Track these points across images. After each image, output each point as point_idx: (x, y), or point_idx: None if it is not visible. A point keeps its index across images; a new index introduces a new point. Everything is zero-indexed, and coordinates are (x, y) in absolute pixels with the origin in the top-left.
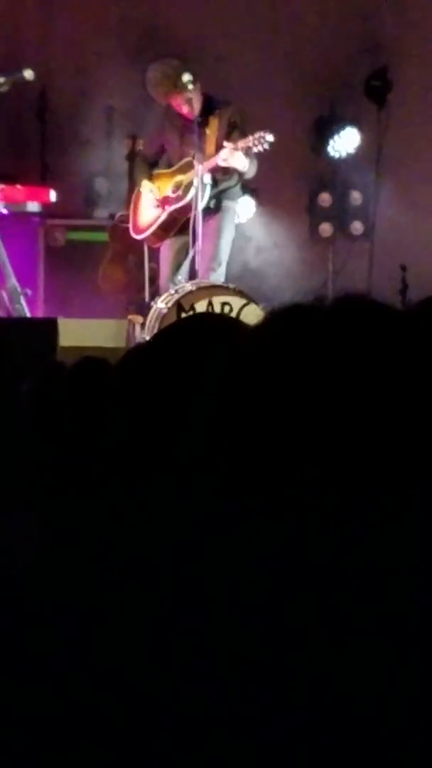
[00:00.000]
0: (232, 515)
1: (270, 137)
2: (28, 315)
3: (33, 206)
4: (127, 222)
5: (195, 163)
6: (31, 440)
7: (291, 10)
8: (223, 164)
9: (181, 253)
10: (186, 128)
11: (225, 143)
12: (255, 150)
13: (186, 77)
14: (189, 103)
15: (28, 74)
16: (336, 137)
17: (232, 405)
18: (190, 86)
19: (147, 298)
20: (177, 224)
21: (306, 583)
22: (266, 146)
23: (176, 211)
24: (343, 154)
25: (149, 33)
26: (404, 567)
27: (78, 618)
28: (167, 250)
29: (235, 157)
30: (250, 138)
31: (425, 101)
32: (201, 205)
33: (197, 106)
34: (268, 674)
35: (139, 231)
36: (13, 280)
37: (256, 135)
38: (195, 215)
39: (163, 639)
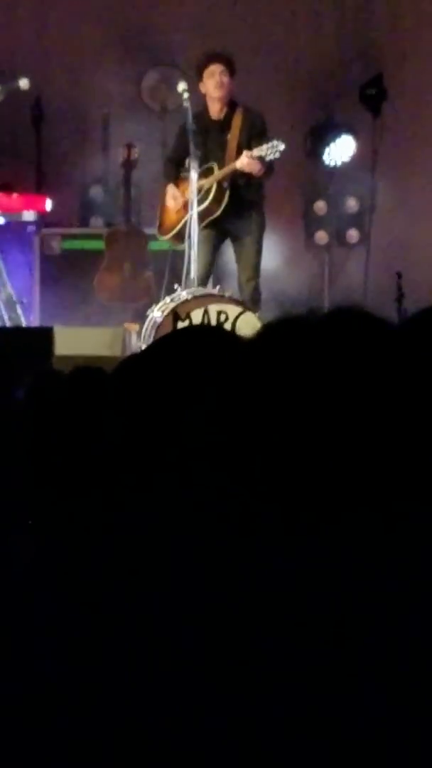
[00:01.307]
0: (232, 517)
1: (282, 146)
2: (24, 324)
3: (29, 215)
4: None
5: (215, 167)
6: (26, 448)
7: (285, 18)
8: (241, 169)
9: (217, 248)
10: (208, 131)
11: (245, 151)
12: (268, 158)
13: (181, 86)
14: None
15: (24, 83)
16: (331, 145)
17: (229, 413)
18: (186, 95)
19: (139, 310)
20: (204, 223)
21: (302, 580)
22: (278, 155)
23: (199, 214)
24: (339, 162)
25: (145, 41)
26: (395, 568)
27: (77, 619)
28: (203, 242)
29: (252, 165)
30: (264, 146)
31: (420, 109)
32: (220, 209)
33: (220, 105)
34: (265, 672)
35: (164, 232)
36: (8, 289)
37: (270, 144)
38: (189, 223)
39: (163, 638)
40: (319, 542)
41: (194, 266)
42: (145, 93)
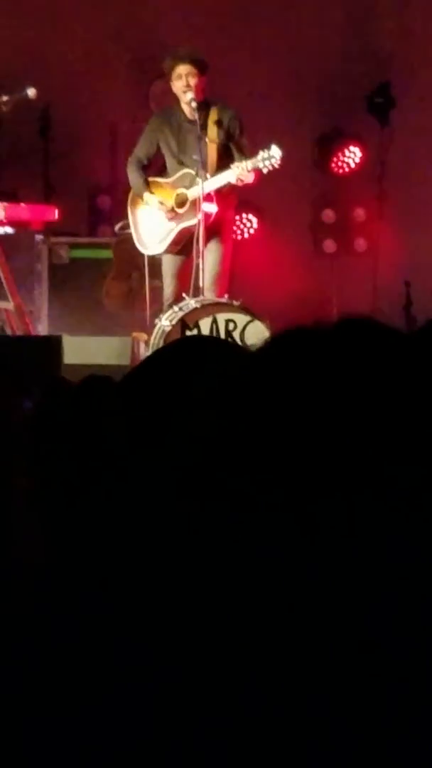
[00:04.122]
0: (230, 520)
1: (279, 153)
2: (33, 333)
3: (37, 224)
4: (128, 230)
5: (195, 175)
6: (33, 457)
7: (292, 26)
8: (239, 184)
9: (183, 270)
10: (183, 131)
11: (236, 164)
12: (266, 170)
13: (189, 95)
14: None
15: (31, 92)
16: (339, 154)
17: (235, 421)
18: (194, 104)
19: (147, 319)
20: (184, 239)
21: (298, 584)
22: (277, 164)
23: (186, 227)
24: (347, 171)
25: (152, 49)
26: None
27: (84, 621)
28: (170, 266)
29: (247, 177)
30: (259, 157)
31: (427, 117)
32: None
33: (189, 107)
34: (266, 673)
35: (150, 246)
36: (17, 298)
37: (266, 153)
38: (198, 231)
39: (167, 638)
40: (320, 545)
41: (202, 275)
42: (153, 101)
